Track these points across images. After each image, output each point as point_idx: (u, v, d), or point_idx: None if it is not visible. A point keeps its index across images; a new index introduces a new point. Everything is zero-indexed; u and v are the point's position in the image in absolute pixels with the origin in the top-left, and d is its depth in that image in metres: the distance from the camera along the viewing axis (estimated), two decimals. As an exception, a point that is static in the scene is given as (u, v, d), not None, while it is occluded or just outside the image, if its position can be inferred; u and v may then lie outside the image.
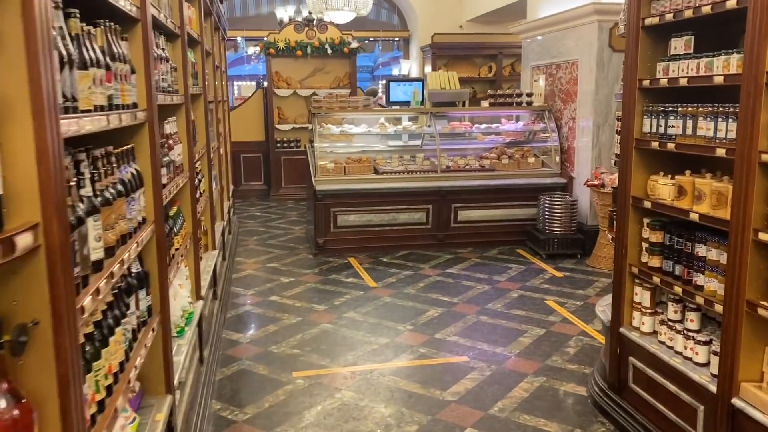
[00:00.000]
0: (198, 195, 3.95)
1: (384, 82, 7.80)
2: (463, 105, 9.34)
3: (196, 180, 4.03)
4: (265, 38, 10.26)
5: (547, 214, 6.76)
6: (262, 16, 13.04)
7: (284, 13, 12.53)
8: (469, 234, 7.14)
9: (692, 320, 2.89)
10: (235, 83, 17.63)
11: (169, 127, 3.21)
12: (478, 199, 7.08)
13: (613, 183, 6.23)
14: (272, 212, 9.48)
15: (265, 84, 10.58)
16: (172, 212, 3.15)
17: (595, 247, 6.51)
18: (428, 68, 10.99)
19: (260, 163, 10.90)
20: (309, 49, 10.24)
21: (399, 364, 4.11)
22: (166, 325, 2.50)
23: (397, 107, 8.23)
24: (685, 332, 2.92)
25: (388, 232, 6.96)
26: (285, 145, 10.48)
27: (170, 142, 3.13)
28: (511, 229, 7.22)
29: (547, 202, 6.78)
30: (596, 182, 6.38)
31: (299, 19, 10.53)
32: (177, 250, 3.14)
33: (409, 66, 11.87)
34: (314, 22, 10.26)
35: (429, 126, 7.48)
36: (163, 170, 2.72)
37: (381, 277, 6.05)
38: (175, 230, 3.11)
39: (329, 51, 10.26)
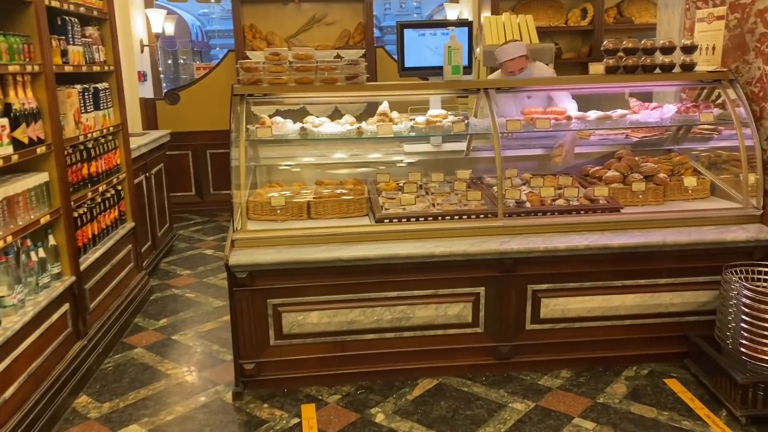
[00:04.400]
0: None
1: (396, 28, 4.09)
2: (545, 72, 5.50)
3: None
4: (231, -28, 6.66)
5: (745, 315, 2.98)
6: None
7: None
8: (562, 345, 3.43)
9: None
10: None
11: None
12: (583, 274, 3.34)
13: None
14: (234, 248, 5.98)
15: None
16: None
17: None
18: (487, 14, 7.13)
19: (236, 163, 7.39)
20: (297, -12, 6.59)
21: None
22: None
23: (419, 80, 4.54)
24: None
25: (393, 343, 3.34)
26: (266, 137, 6.94)
27: None
28: (654, 332, 3.47)
29: (745, 292, 2.99)
30: None
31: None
32: None
33: (458, 14, 8.01)
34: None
35: (484, 117, 3.78)
36: None
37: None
38: None
39: (328, -11, 6.58)
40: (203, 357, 3.76)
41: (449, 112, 3.76)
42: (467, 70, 3.98)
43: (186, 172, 7.32)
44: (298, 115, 3.79)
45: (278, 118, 3.61)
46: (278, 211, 3.48)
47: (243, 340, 3.24)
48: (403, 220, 3.35)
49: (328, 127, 3.56)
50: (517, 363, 3.42)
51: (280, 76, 3.44)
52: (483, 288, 3.31)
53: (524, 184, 3.74)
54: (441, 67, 3.92)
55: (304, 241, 3.26)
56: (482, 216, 3.36)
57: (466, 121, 3.59)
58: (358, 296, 3.25)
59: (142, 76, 7.14)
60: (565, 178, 3.68)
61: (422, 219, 3.35)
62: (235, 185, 3.34)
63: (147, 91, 7.37)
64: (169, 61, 17.39)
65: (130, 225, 4.55)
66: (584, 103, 4.08)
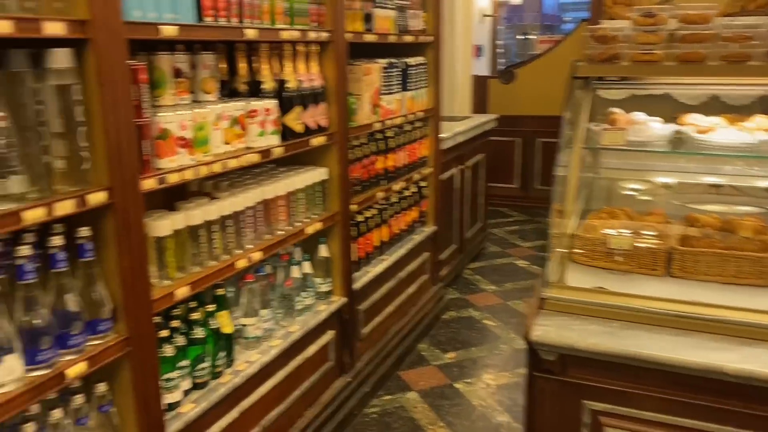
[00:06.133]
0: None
1: None
2: None
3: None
4: None
5: None
6: None
7: None
8: None
9: None
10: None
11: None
12: None
13: None
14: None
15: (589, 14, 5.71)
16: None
17: None
18: None
19: (570, 156, 6.20)
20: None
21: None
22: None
23: None
24: None
25: None
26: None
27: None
28: None
29: None
30: None
31: None
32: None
33: None
34: None
35: None
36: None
37: None
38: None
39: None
40: None
41: None
42: None
43: (510, 161, 6.43)
44: (660, 103, 2.48)
45: (639, 115, 2.35)
46: (617, 258, 2.27)
47: (539, 449, 2.16)
48: None
49: (723, 135, 2.17)
50: None
51: (653, 49, 2.17)
52: None
53: None
54: None
55: (658, 320, 2.00)
56: None
57: None
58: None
59: (477, 51, 6.40)
60: None
61: None
62: (557, 209, 2.23)
63: (480, 68, 6.63)
64: (520, 36, 16.61)
65: (430, 229, 3.80)
66: None
